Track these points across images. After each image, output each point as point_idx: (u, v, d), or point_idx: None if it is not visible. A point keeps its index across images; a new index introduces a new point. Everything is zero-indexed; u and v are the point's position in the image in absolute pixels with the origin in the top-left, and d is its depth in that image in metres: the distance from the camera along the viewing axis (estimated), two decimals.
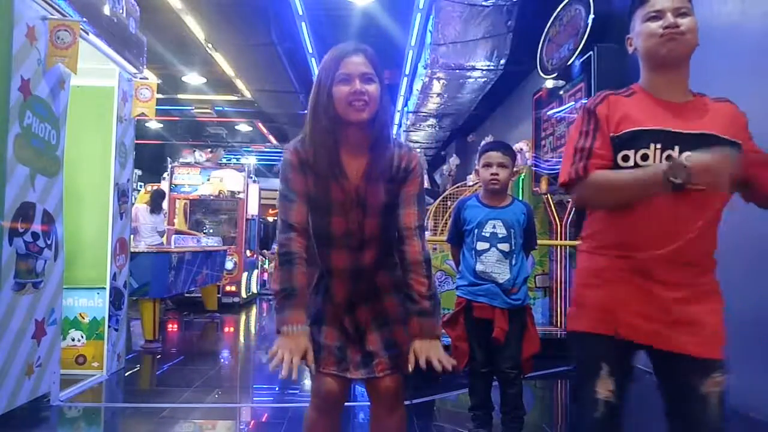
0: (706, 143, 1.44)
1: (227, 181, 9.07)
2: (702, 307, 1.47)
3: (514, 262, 2.74)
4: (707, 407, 1.43)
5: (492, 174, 2.73)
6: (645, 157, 1.48)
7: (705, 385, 1.44)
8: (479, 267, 2.75)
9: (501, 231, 2.75)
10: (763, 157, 1.51)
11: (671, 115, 1.50)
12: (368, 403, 1.78)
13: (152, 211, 6.88)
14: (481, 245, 2.76)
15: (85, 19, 3.42)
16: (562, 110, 5.51)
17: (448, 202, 7.39)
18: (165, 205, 7.84)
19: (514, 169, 3.29)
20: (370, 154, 1.61)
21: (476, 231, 2.78)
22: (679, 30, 1.48)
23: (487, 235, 2.75)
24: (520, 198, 5.39)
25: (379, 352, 1.67)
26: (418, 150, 13.08)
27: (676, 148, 1.46)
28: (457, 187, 8.03)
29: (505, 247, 2.74)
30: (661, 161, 1.46)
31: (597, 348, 1.52)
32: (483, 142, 6.59)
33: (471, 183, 7.72)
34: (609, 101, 1.57)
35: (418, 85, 8.50)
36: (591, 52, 4.91)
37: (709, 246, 1.51)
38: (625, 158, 1.50)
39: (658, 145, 1.47)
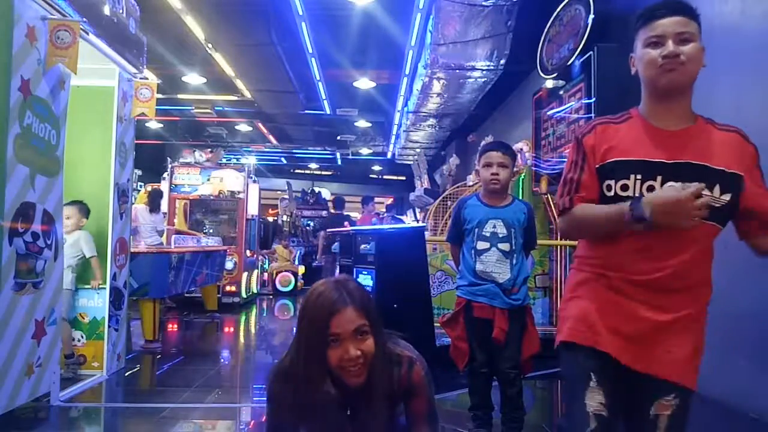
0: (691, 173, 1.40)
1: (227, 181, 9.06)
2: (679, 333, 1.44)
3: (514, 261, 2.74)
4: (656, 429, 1.40)
5: (492, 174, 2.73)
6: (625, 188, 1.46)
7: (656, 407, 1.41)
8: (479, 267, 2.74)
9: (501, 230, 2.74)
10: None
11: (659, 145, 1.46)
12: None
13: (151, 211, 6.88)
14: (481, 245, 2.76)
15: (85, 19, 3.42)
16: (562, 110, 5.51)
17: (448, 202, 7.39)
18: (164, 205, 7.83)
19: (515, 169, 3.29)
20: (363, 397, 1.45)
21: (476, 230, 2.77)
22: (679, 60, 1.42)
23: (488, 234, 2.75)
24: (520, 198, 5.39)
25: None
26: (418, 150, 13.08)
27: (659, 178, 1.43)
28: (457, 187, 8.03)
29: (505, 246, 2.73)
30: (641, 192, 1.44)
31: (583, 358, 1.48)
32: (483, 142, 6.60)
33: (471, 183, 7.72)
34: (596, 131, 1.55)
35: (418, 85, 8.50)
36: (591, 52, 4.91)
37: (695, 277, 1.46)
38: (608, 188, 1.49)
39: (638, 176, 1.45)
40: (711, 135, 1.48)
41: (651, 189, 1.43)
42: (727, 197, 1.42)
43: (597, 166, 1.52)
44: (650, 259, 1.44)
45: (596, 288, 1.52)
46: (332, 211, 9.42)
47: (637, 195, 1.44)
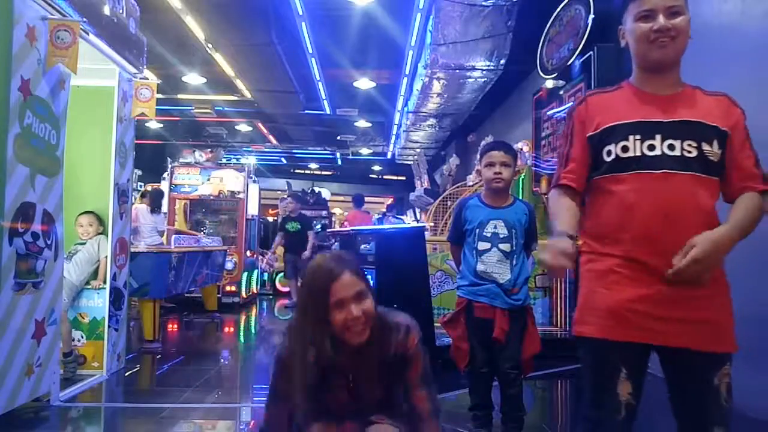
0: (689, 130, 1.47)
1: (227, 181, 9.06)
2: (711, 301, 1.47)
3: (515, 262, 2.74)
4: (719, 398, 1.44)
5: (495, 173, 2.73)
6: (625, 149, 1.50)
7: (717, 377, 1.45)
8: (480, 267, 2.74)
9: (502, 231, 2.74)
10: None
11: (654, 107, 1.51)
12: None
13: (152, 211, 6.88)
14: (482, 245, 2.76)
15: (85, 19, 3.42)
16: (562, 110, 5.51)
17: (448, 202, 7.38)
18: (164, 205, 7.83)
19: (515, 169, 3.29)
20: (363, 361, 1.56)
21: (477, 231, 2.77)
22: (669, 34, 1.46)
23: (489, 235, 2.75)
24: (521, 198, 5.38)
25: None
26: (418, 150, 13.08)
27: (657, 137, 1.48)
28: (457, 187, 8.02)
29: (506, 247, 2.73)
30: (641, 151, 1.48)
31: (613, 352, 1.49)
32: (483, 142, 6.60)
33: (471, 183, 7.72)
34: (588, 102, 1.60)
35: (418, 85, 8.50)
36: (591, 52, 4.91)
37: None
38: (608, 153, 1.53)
39: (638, 137, 1.49)
40: (700, 98, 1.55)
41: (651, 148, 1.48)
42: (719, 151, 1.49)
43: (590, 134, 1.56)
44: (666, 227, 1.45)
45: (617, 273, 1.50)
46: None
47: (638, 155, 1.49)
